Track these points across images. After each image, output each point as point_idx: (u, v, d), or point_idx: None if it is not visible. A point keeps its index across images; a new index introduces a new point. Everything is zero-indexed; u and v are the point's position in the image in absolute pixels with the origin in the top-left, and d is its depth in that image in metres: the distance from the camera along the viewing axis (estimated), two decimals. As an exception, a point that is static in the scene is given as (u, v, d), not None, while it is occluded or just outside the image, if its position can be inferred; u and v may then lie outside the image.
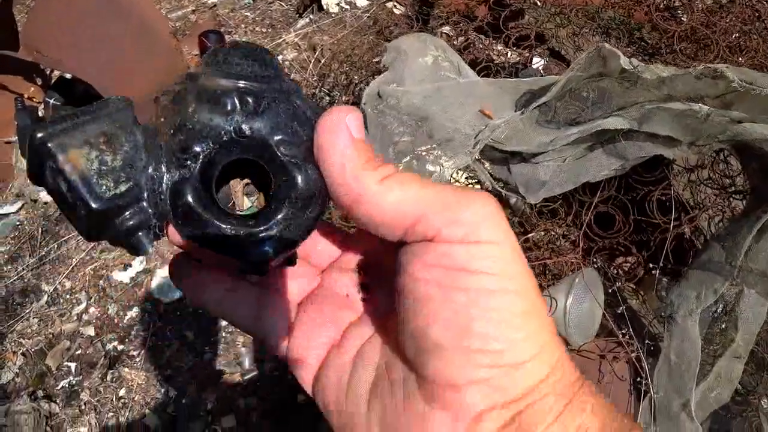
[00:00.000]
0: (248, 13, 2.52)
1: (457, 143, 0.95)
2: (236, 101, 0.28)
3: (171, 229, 0.29)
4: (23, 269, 1.69)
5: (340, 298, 0.34)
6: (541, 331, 0.26)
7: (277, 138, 0.29)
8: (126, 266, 1.68)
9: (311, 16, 2.42)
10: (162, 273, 1.66)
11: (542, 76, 1.31)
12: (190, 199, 0.28)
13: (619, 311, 1.14)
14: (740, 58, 1.29)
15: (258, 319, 0.33)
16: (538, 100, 0.94)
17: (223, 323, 1.57)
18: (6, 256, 1.72)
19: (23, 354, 1.52)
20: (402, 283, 0.27)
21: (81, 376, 1.49)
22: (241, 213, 0.29)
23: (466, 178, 1.18)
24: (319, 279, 0.35)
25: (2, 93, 1.67)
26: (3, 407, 1.39)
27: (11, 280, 1.66)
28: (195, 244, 0.28)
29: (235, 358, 1.53)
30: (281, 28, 2.40)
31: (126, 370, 1.50)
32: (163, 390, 1.47)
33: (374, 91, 1.01)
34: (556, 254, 1.21)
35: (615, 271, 1.30)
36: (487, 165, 1.08)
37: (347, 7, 2.41)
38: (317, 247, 0.36)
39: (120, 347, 1.54)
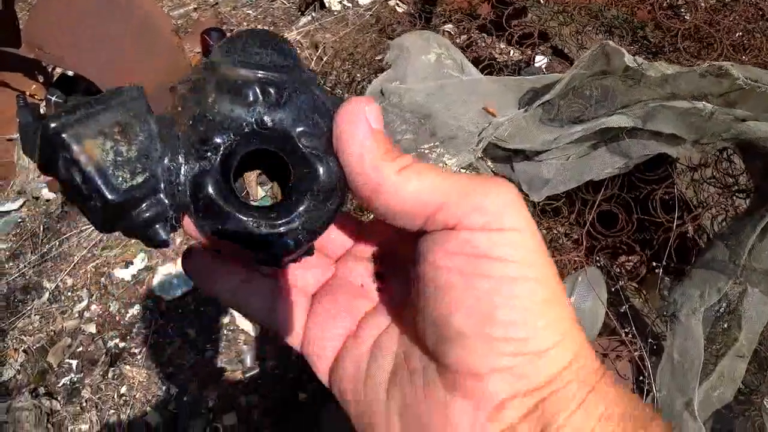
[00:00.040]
0: (250, 11, 2.51)
1: (460, 141, 0.95)
2: (258, 92, 0.28)
3: (186, 221, 0.28)
4: (25, 266, 1.69)
5: (355, 287, 0.34)
6: (563, 319, 0.26)
7: (299, 130, 0.28)
8: (127, 264, 1.68)
9: (313, 14, 2.42)
10: (164, 270, 1.66)
11: (545, 74, 1.30)
12: (211, 191, 0.27)
13: (622, 310, 1.14)
14: (744, 57, 1.29)
15: (272, 310, 0.33)
16: (542, 98, 0.93)
17: (225, 321, 1.57)
18: (8, 253, 1.72)
19: (25, 351, 1.52)
20: (422, 272, 0.27)
21: (82, 374, 1.49)
22: (256, 204, 0.29)
23: (469, 176, 1.18)
24: (334, 269, 0.35)
25: (4, 90, 1.67)
26: (4, 404, 1.39)
27: (13, 277, 1.66)
28: (214, 236, 0.28)
29: (237, 355, 1.52)
30: (283, 26, 2.40)
31: (127, 367, 1.50)
32: (164, 387, 1.47)
33: (377, 88, 1.01)
34: (559, 253, 1.20)
35: (618, 270, 1.30)
36: (490, 163, 1.08)
37: (349, 4, 2.41)
38: (330, 236, 0.35)
39: (121, 344, 1.54)
